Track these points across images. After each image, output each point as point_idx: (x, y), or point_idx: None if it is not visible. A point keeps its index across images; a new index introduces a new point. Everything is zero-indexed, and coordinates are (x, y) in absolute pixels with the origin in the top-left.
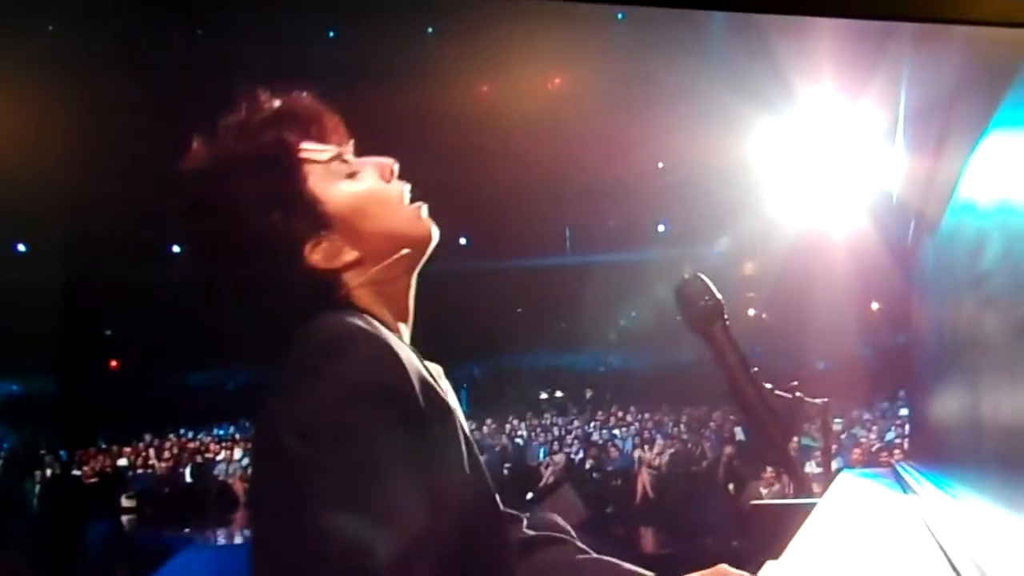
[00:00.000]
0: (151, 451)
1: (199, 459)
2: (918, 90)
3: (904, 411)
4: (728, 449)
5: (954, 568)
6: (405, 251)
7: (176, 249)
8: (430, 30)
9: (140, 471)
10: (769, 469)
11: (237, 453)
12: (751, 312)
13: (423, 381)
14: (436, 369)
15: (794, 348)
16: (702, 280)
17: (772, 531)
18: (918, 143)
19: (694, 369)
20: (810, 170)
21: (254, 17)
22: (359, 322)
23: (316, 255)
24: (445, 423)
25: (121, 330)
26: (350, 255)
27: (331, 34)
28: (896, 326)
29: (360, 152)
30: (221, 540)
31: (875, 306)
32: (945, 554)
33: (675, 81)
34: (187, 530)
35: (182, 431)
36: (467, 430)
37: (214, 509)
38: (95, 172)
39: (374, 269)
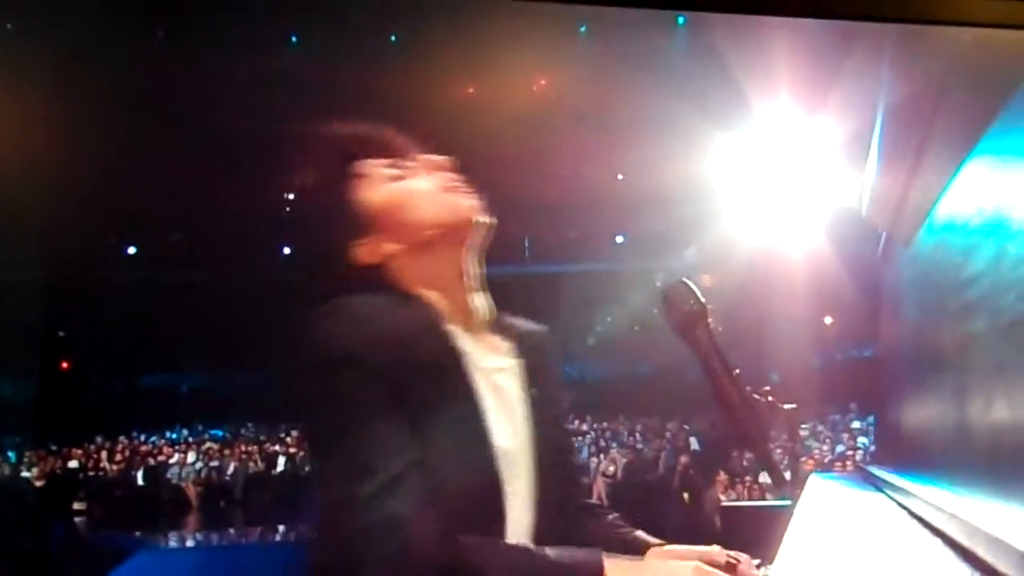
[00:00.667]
0: (103, 453)
1: (151, 462)
2: (897, 101)
3: (856, 423)
4: (683, 458)
5: (957, 548)
6: (429, 232)
7: (132, 250)
8: (393, 38)
9: (91, 473)
10: (722, 474)
11: (191, 457)
12: (708, 323)
13: (427, 354)
14: (494, 343)
15: (749, 359)
16: (687, 285)
17: (744, 532)
18: (894, 156)
19: (650, 379)
20: (769, 184)
21: (216, 21)
22: (374, 299)
23: (361, 252)
24: (445, 400)
25: (73, 331)
26: (390, 248)
27: (293, 39)
28: (851, 339)
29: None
30: (173, 543)
31: (828, 320)
32: (943, 536)
33: (636, 94)
34: (139, 533)
35: (134, 434)
36: (486, 410)
37: (166, 512)
38: (49, 172)
39: (411, 256)
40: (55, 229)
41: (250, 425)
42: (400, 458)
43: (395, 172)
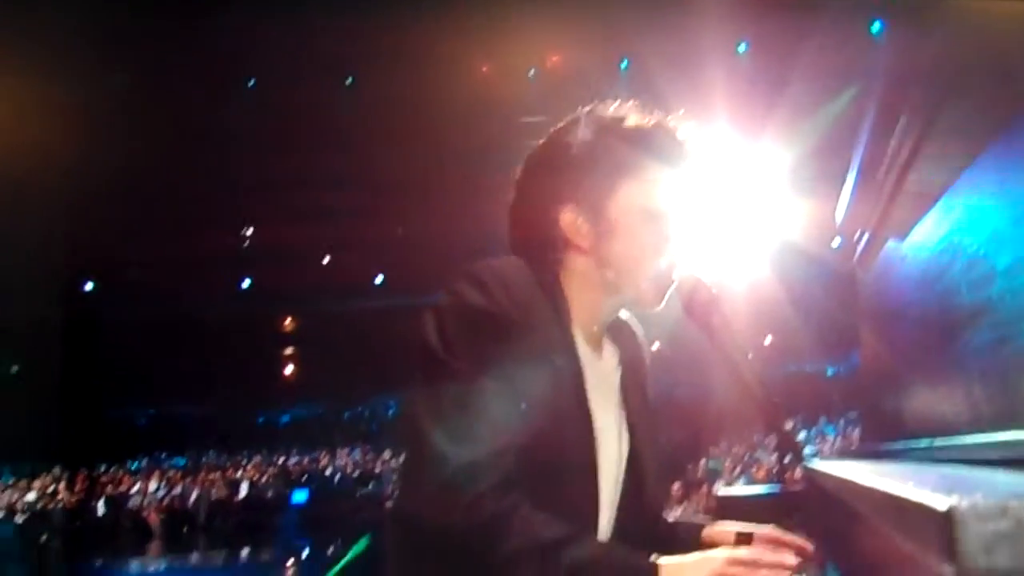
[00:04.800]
0: (61, 484)
1: (111, 491)
2: (893, 95)
3: (801, 434)
4: None
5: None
6: (610, 300)
7: (89, 287)
8: (349, 80)
9: (51, 505)
10: (676, 485)
11: (152, 484)
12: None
13: (539, 339)
14: (606, 348)
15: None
16: (701, 277)
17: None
18: (883, 153)
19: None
20: (710, 209)
21: (176, 63)
22: (516, 273)
23: (565, 219)
24: (553, 386)
25: (28, 365)
26: (584, 240)
27: (251, 83)
28: (792, 356)
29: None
30: (136, 572)
31: (768, 340)
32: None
33: None
34: (100, 563)
35: (94, 464)
36: (591, 404)
37: (129, 541)
38: (6, 206)
39: (587, 273)
40: (12, 264)
41: (212, 452)
42: (493, 431)
43: (650, 202)
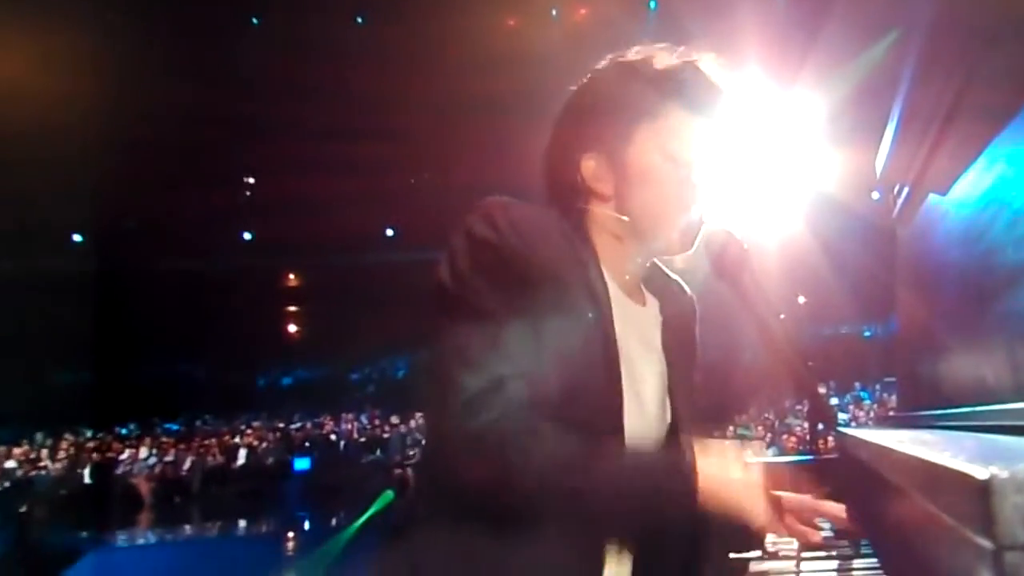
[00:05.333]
0: (43, 451)
1: (97, 458)
2: (935, 41)
3: (834, 400)
4: None
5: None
6: (636, 248)
7: (77, 238)
8: (359, 20)
9: (32, 472)
10: None
11: (143, 452)
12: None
13: (567, 283)
14: (641, 295)
15: (723, 341)
16: (729, 232)
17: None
18: (927, 105)
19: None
20: (741, 159)
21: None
22: (528, 210)
23: (586, 167)
24: (582, 330)
25: (9, 323)
26: (606, 187)
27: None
28: (824, 319)
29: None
30: (124, 542)
31: (801, 299)
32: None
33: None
34: (86, 534)
35: (80, 430)
36: (618, 359)
37: (117, 512)
38: None
39: (610, 221)
40: None
41: (208, 416)
42: (511, 364)
43: (676, 151)
